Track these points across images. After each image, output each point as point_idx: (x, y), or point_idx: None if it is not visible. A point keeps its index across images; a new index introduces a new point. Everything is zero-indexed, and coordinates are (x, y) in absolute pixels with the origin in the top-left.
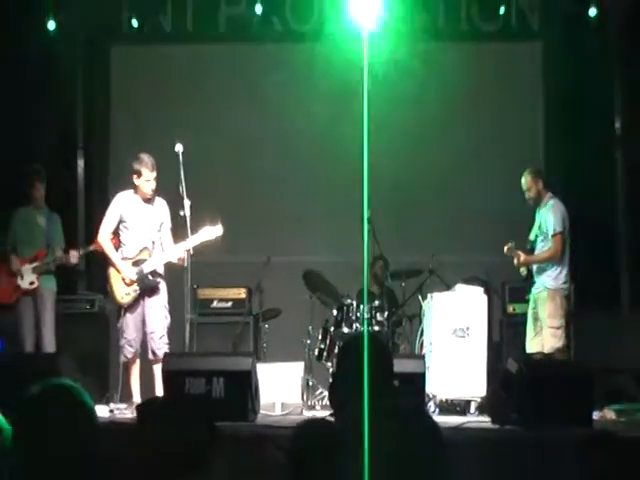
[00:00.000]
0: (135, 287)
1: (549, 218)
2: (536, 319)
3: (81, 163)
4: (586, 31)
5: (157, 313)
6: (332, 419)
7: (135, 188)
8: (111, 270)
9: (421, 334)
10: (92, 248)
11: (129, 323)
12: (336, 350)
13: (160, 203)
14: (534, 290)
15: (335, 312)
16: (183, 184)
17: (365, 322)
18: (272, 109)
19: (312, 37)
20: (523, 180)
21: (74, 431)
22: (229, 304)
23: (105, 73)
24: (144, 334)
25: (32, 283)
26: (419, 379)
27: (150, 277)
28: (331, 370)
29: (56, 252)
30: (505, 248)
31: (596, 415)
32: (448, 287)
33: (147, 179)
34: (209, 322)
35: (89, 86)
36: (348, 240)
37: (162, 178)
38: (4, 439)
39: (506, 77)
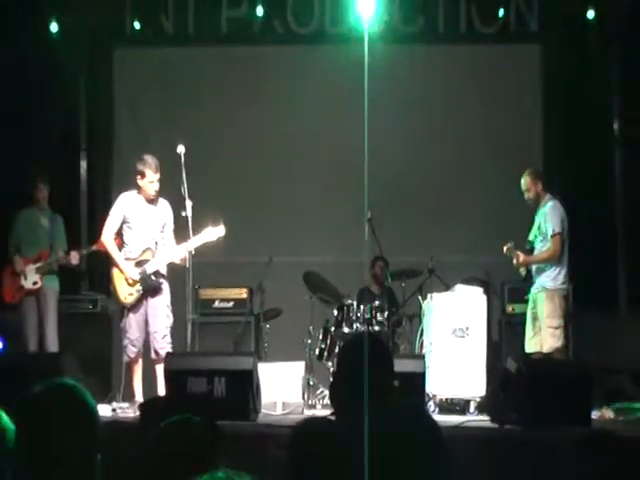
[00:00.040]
0: (138, 287)
1: (548, 219)
2: (535, 319)
3: (84, 164)
4: (584, 33)
5: (160, 313)
6: (333, 418)
7: (139, 189)
8: (114, 270)
9: (421, 334)
10: (94, 248)
11: (132, 323)
12: (337, 350)
13: (163, 204)
14: (533, 290)
15: (335, 312)
16: (185, 185)
17: (366, 322)
18: (273, 111)
19: (313, 39)
20: (523, 181)
21: (76, 430)
22: (230, 304)
23: (108, 75)
24: (147, 334)
25: (35, 283)
26: (419, 379)
27: (153, 277)
28: (332, 370)
29: (58, 253)
30: (504, 248)
31: (595, 414)
32: (448, 287)
33: (150, 180)
34: (211, 322)
35: (92, 88)
36: (349, 240)
37: (164, 179)
38: (7, 439)
39: (505, 79)
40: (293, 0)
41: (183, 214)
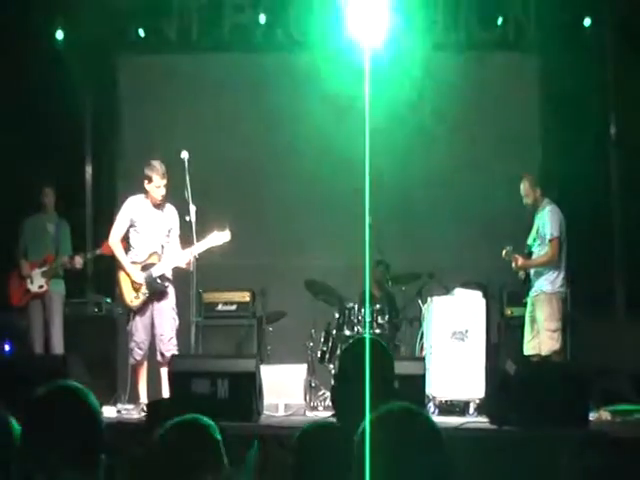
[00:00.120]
0: (144, 290)
1: (546, 223)
2: (533, 322)
3: (89, 170)
4: (581, 41)
5: (166, 316)
6: (334, 420)
7: (146, 193)
8: (121, 273)
9: (421, 337)
10: (99, 252)
11: (138, 326)
12: (338, 352)
13: (170, 209)
14: (532, 293)
15: (337, 315)
16: (189, 190)
17: (367, 325)
18: (275, 117)
19: (315, 47)
20: (522, 186)
21: (79, 431)
22: (234, 307)
23: (112, 81)
24: (153, 336)
25: (41, 287)
26: (419, 381)
27: (159, 281)
28: (333, 372)
29: (62, 257)
30: (503, 252)
31: (592, 416)
32: (447, 291)
33: (157, 185)
34: (214, 325)
35: (97, 94)
36: (350, 245)
37: (168, 184)
38: (14, 438)
39: (504, 85)
40: (295, 8)
41: (187, 219)
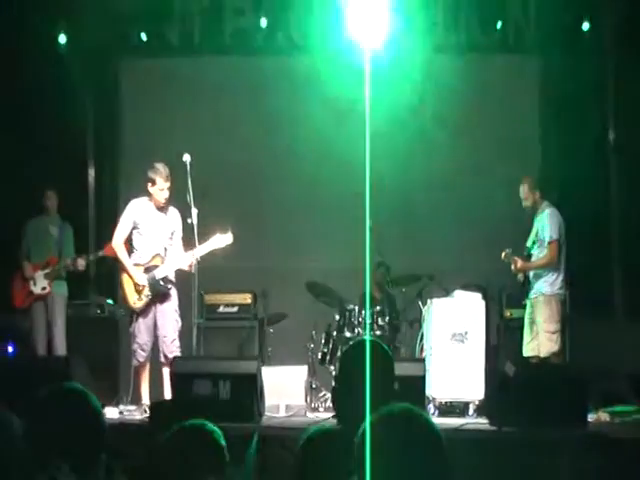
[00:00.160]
0: (147, 292)
1: (546, 226)
2: (533, 324)
3: (92, 172)
4: (581, 44)
5: (169, 318)
6: (336, 422)
7: (149, 195)
8: (124, 275)
9: (421, 338)
10: (101, 254)
11: (141, 328)
12: (339, 354)
13: (173, 212)
14: (531, 295)
15: (337, 317)
16: (190, 193)
17: (367, 327)
18: (276, 120)
19: (315, 50)
20: (521, 189)
21: (81, 432)
22: (235, 309)
23: (114, 85)
24: (156, 338)
25: (44, 288)
26: (419, 382)
27: (161, 283)
28: (334, 373)
29: (65, 260)
30: (502, 254)
31: (591, 417)
32: (447, 293)
33: (161, 188)
34: (216, 326)
35: (99, 98)
36: (351, 247)
37: (170, 187)
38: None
39: (504, 88)
40: (296, 12)
41: (189, 221)
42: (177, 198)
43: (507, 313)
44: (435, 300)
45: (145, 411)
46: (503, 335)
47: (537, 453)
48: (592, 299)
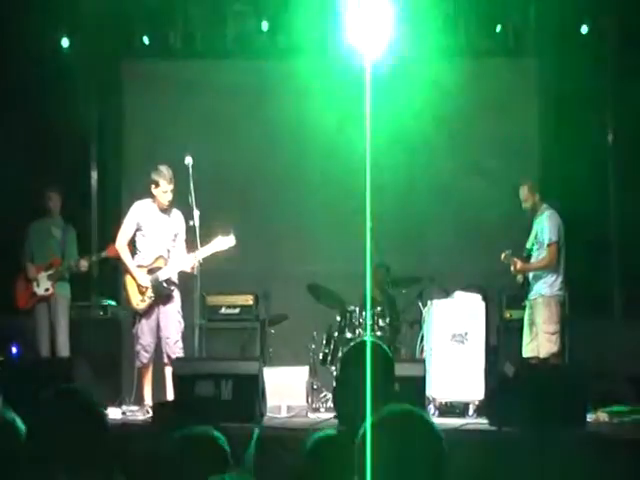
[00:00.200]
0: (150, 294)
1: (545, 228)
2: (532, 325)
3: (95, 175)
4: (579, 47)
5: (172, 319)
6: (336, 421)
7: (153, 197)
8: (127, 277)
9: (421, 339)
10: (104, 255)
11: (144, 329)
12: (340, 354)
13: (176, 214)
14: (530, 297)
15: (338, 318)
16: (192, 195)
17: (368, 328)
18: (278, 123)
19: (316, 53)
20: (521, 191)
21: (84, 432)
22: (237, 310)
23: (117, 88)
24: (159, 339)
25: (47, 290)
26: (419, 382)
27: (164, 285)
28: (335, 374)
29: (69, 261)
30: (502, 256)
31: (590, 417)
32: (447, 294)
33: (164, 190)
34: (218, 327)
35: (102, 101)
36: (351, 249)
37: (173, 189)
38: (19, 439)
39: (503, 91)
40: (297, 16)
41: (191, 223)
42: (179, 200)
43: (507, 314)
44: (435, 301)
45: (147, 412)
46: (503, 336)
47: (536, 453)
48: (591, 300)
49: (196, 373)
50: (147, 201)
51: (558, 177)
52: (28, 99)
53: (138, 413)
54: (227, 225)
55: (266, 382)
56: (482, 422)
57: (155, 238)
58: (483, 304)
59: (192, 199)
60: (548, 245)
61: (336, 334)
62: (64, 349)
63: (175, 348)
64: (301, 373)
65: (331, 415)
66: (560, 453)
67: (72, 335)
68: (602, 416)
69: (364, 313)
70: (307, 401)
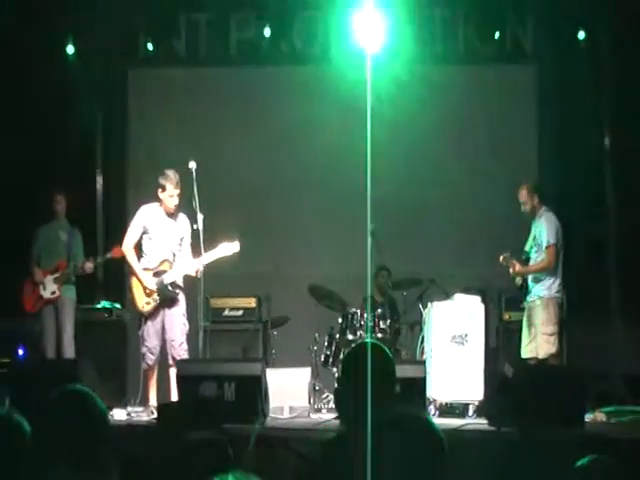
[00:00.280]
0: (155, 297)
1: (543, 230)
2: (531, 326)
3: (100, 180)
4: (577, 53)
5: (177, 322)
6: (338, 422)
7: (160, 201)
8: (133, 279)
9: (422, 341)
10: (109, 256)
11: (150, 331)
12: (341, 356)
13: (182, 219)
14: (529, 299)
15: (340, 320)
16: (196, 199)
17: (369, 330)
18: (280, 128)
19: (318, 59)
20: (520, 194)
21: (87, 432)
22: (240, 312)
23: (122, 94)
24: (164, 341)
25: (54, 293)
26: (420, 384)
27: (170, 288)
28: (336, 375)
29: (74, 264)
30: (501, 258)
31: (588, 417)
32: (447, 296)
33: (170, 194)
34: (221, 329)
35: (107, 106)
36: (352, 252)
37: (180, 193)
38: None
39: (502, 97)
40: (299, 22)
41: (195, 227)
42: (183, 204)
43: (506, 316)
44: (435, 303)
45: (152, 412)
46: (502, 337)
47: (535, 452)
48: (589, 302)
49: (200, 374)
50: (154, 205)
51: (556, 180)
52: (35, 105)
53: (143, 414)
54: (232, 231)
55: (269, 383)
56: (481, 422)
57: (161, 242)
58: (482, 306)
59: (196, 203)
60: (546, 247)
61: (337, 336)
62: (70, 351)
63: (180, 350)
64: (303, 374)
65: (333, 416)
66: (558, 453)
67: (77, 337)
68: (600, 416)
69: (365, 315)
70: (309, 402)
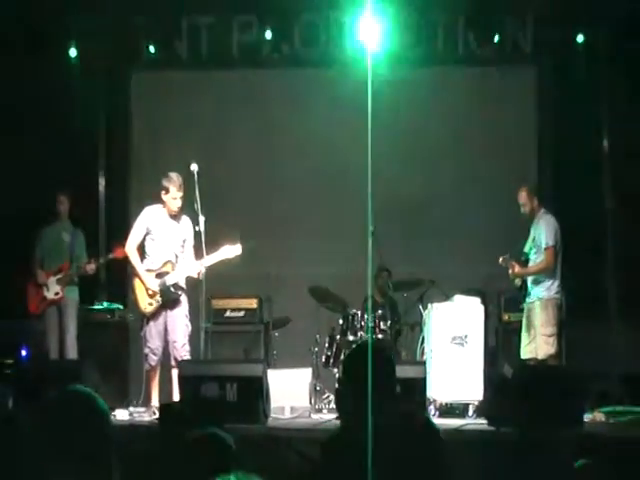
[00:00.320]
0: (158, 298)
1: (542, 232)
2: (530, 327)
3: (102, 182)
4: (575, 56)
5: (179, 323)
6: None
7: (163, 203)
8: (136, 280)
9: (422, 342)
10: (111, 256)
11: (152, 332)
12: (342, 357)
13: (185, 221)
14: (528, 300)
15: (341, 321)
16: (198, 201)
17: (370, 330)
18: (281, 130)
19: (319, 62)
20: (519, 196)
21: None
22: (241, 313)
23: (125, 97)
24: (166, 342)
25: (57, 294)
26: (420, 384)
27: (172, 289)
28: (337, 376)
29: (77, 265)
30: (500, 259)
31: (587, 417)
32: (447, 297)
33: (174, 197)
34: (223, 330)
35: (110, 109)
36: (353, 253)
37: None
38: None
39: (501, 99)
40: (300, 25)
41: (196, 229)
42: (185, 206)
43: (505, 317)
44: (435, 304)
45: (154, 413)
46: (501, 338)
47: (534, 452)
48: (587, 303)
49: (202, 375)
50: (157, 206)
51: (555, 182)
52: (39, 107)
53: (145, 414)
54: (233, 233)
55: (270, 384)
56: (481, 422)
57: (164, 243)
58: (482, 307)
59: (197, 205)
60: (545, 249)
61: (338, 337)
62: (72, 352)
63: (182, 351)
64: (304, 375)
65: (333, 416)
66: (557, 452)
67: (80, 338)
68: (599, 416)
69: (366, 316)
70: (310, 402)
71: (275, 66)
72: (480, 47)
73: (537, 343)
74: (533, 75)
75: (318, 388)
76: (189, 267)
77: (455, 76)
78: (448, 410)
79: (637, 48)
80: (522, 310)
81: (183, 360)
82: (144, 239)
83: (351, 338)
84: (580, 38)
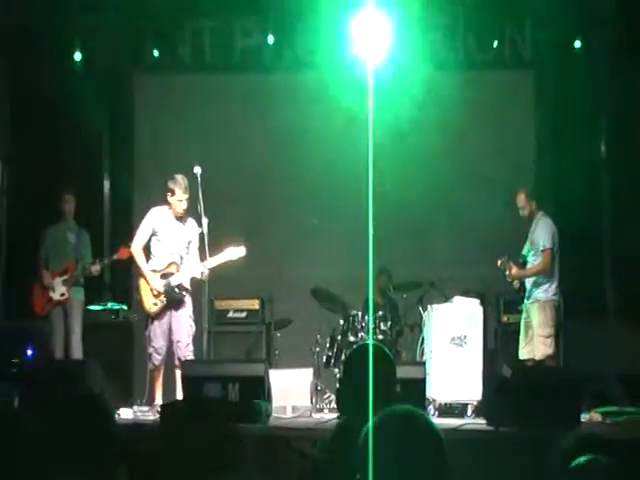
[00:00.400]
0: (162, 298)
1: (540, 235)
2: (528, 328)
3: (107, 184)
4: (574, 61)
5: (183, 323)
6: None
7: (169, 205)
8: (141, 280)
9: (421, 342)
10: (115, 257)
11: (157, 332)
12: (343, 357)
13: (191, 223)
14: (526, 301)
15: (342, 322)
16: (201, 203)
17: (370, 331)
18: (283, 133)
19: (321, 66)
20: (518, 199)
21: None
22: (244, 314)
23: (129, 100)
24: (170, 342)
25: (63, 294)
26: (420, 384)
27: (177, 290)
28: (338, 376)
29: (83, 266)
30: (499, 262)
31: (584, 417)
32: (447, 299)
33: (179, 199)
34: (225, 331)
35: (114, 112)
36: (354, 254)
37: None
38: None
39: (500, 103)
40: (302, 29)
41: (200, 231)
42: (189, 208)
43: (504, 318)
44: (435, 305)
45: (158, 412)
46: (500, 339)
47: (532, 452)
48: (585, 304)
49: (204, 375)
50: (163, 207)
51: (553, 185)
52: (44, 110)
53: (149, 413)
54: (236, 234)
55: (272, 384)
56: (480, 422)
57: (169, 244)
58: (481, 308)
59: (201, 207)
60: (542, 251)
61: (339, 337)
62: (77, 352)
63: (186, 351)
64: (305, 375)
65: (334, 415)
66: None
67: (84, 338)
68: (596, 416)
69: (366, 317)
70: (311, 402)
71: (277, 70)
72: (479, 51)
73: (535, 344)
74: (532, 79)
75: (319, 388)
76: (194, 268)
77: (455, 80)
78: (447, 410)
79: (635, 52)
80: (520, 311)
81: (186, 360)
82: (150, 240)
83: (352, 339)
84: (578, 43)
